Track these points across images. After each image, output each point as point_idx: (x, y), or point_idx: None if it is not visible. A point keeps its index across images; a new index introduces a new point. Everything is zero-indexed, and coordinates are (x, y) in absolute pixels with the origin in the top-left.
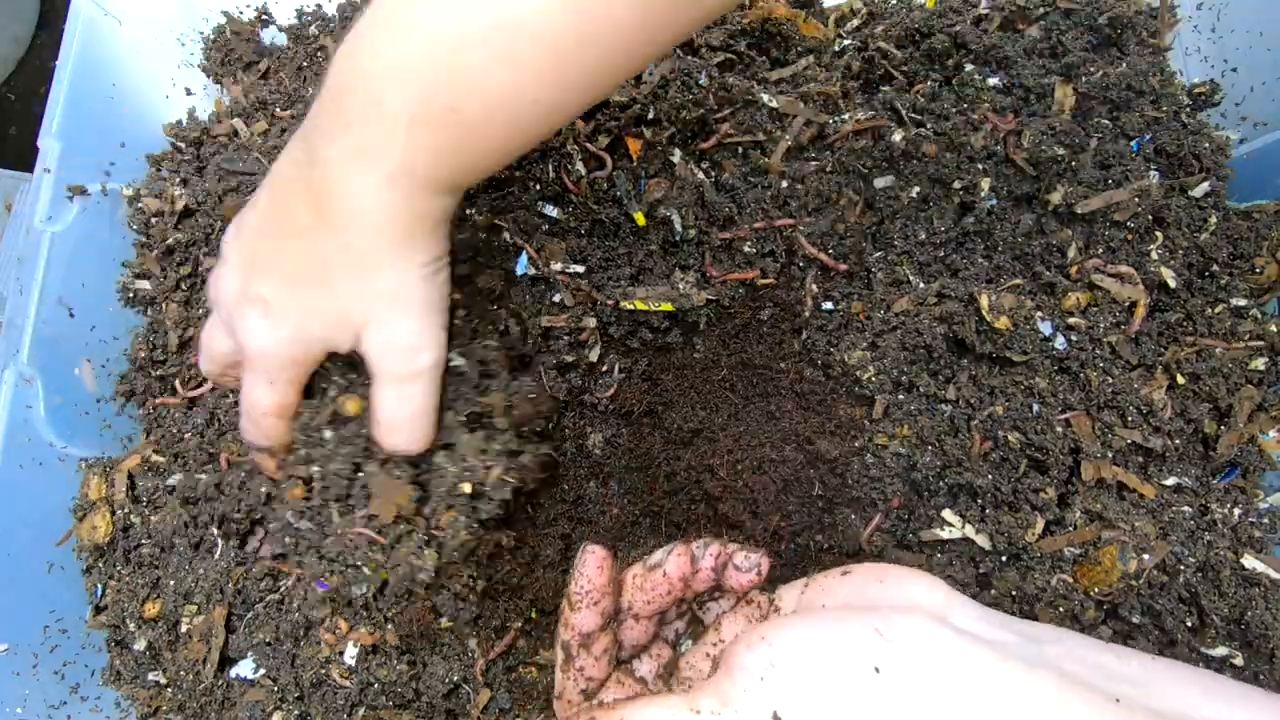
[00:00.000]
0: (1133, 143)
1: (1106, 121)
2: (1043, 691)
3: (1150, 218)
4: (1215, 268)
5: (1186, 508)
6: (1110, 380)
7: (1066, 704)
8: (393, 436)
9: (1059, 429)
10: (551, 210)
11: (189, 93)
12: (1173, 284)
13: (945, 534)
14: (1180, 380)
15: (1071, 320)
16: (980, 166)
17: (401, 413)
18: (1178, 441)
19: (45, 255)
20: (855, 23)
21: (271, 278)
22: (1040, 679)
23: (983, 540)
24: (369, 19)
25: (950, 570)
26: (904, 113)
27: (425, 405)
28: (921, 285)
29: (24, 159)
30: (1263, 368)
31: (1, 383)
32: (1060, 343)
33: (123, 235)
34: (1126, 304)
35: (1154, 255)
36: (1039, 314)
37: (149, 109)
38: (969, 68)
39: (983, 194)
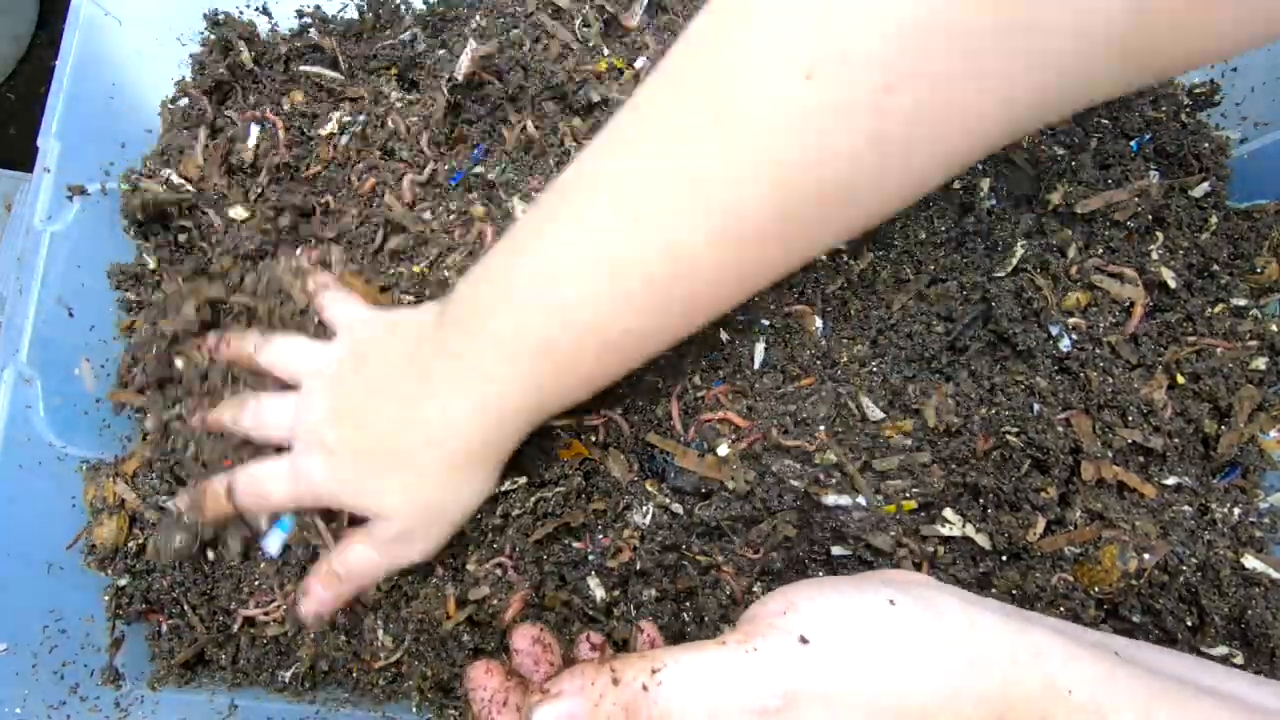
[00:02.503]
0: (1132, 142)
1: (1106, 121)
2: (1047, 638)
3: (1150, 218)
4: (1215, 268)
5: (1187, 507)
6: (1110, 380)
7: (1068, 647)
8: (308, 601)
9: (1059, 428)
10: None
11: (190, 94)
12: (1173, 284)
13: (946, 531)
14: (1180, 380)
15: (1072, 320)
16: (980, 166)
17: (336, 590)
18: (1178, 441)
19: (45, 255)
20: None
21: (344, 437)
22: (1043, 629)
23: (983, 540)
24: (498, 246)
25: (952, 569)
26: None
27: (358, 591)
28: (923, 284)
29: (24, 159)
30: (1263, 367)
31: (1, 383)
32: (1066, 344)
33: (122, 235)
34: (1126, 304)
35: (1154, 255)
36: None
37: (149, 109)
38: None
39: (982, 194)
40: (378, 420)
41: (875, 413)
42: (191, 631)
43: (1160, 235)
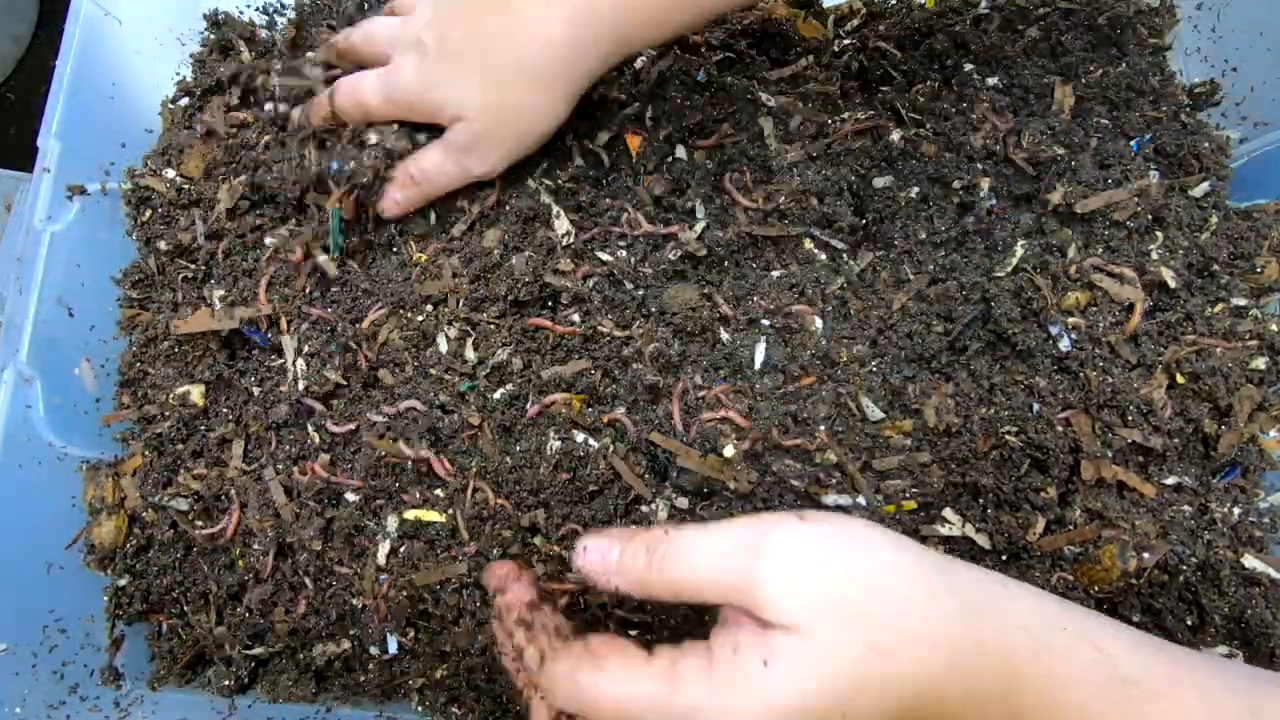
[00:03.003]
0: (1132, 142)
1: (1106, 121)
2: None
3: (1150, 217)
4: (1215, 267)
5: (1186, 507)
6: (1110, 380)
7: (1033, 590)
8: (389, 201)
9: (1059, 428)
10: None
11: (189, 94)
12: (1172, 284)
13: (945, 530)
14: (1180, 380)
15: (1071, 320)
16: (980, 166)
17: (414, 192)
18: (1177, 441)
19: (45, 255)
20: (855, 23)
21: (439, 37)
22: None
23: (983, 540)
24: None
25: None
26: (904, 112)
27: (429, 197)
28: (923, 284)
29: (24, 159)
30: (1263, 367)
31: (1, 383)
32: (1065, 344)
33: (122, 235)
34: (1126, 304)
35: (1154, 255)
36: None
37: (149, 109)
38: (968, 67)
39: (982, 194)
40: (472, 25)
41: (875, 413)
42: (191, 631)
43: (1160, 235)
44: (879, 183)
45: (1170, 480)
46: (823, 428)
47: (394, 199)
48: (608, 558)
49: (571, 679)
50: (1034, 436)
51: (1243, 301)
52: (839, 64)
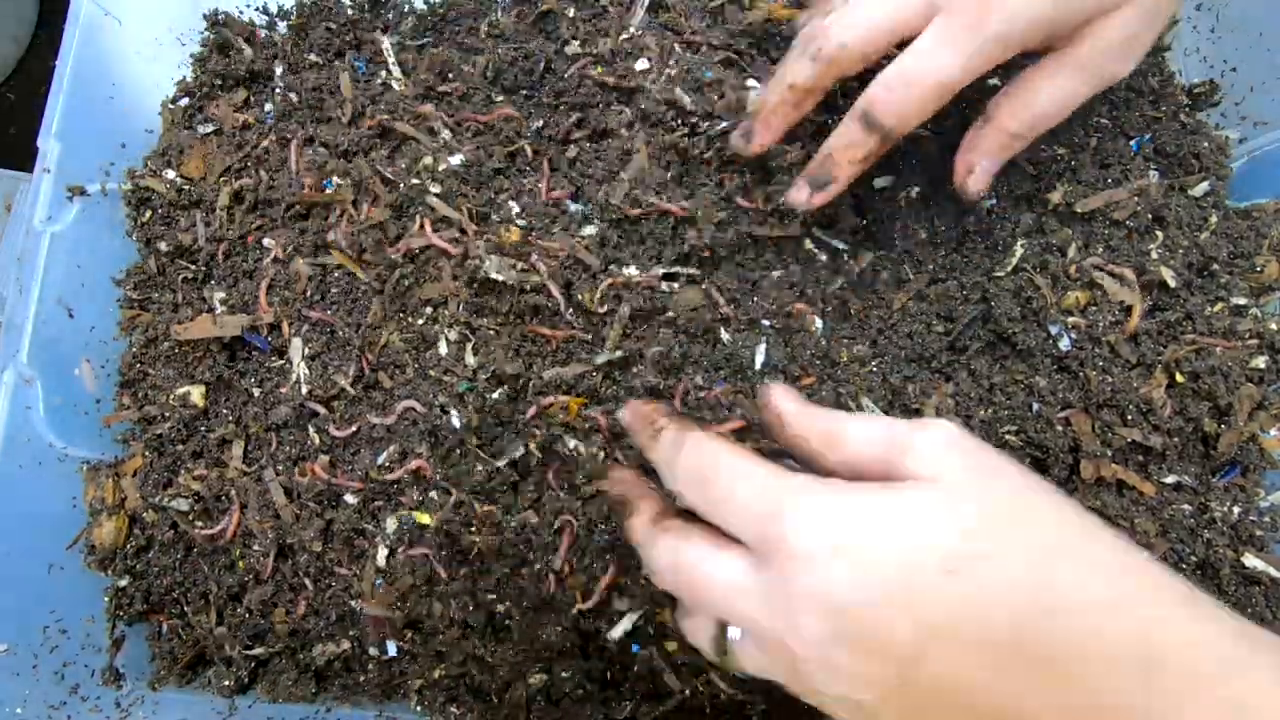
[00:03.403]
0: (1132, 142)
1: (1106, 121)
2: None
3: (1150, 217)
4: (1215, 267)
5: (1186, 506)
6: (1109, 379)
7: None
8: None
9: (1059, 428)
10: None
11: (190, 94)
12: (1172, 283)
13: None
14: (1179, 379)
15: (1071, 320)
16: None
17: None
18: (1177, 440)
19: (45, 255)
20: None
21: None
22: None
23: None
24: None
25: None
26: None
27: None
28: (923, 284)
29: (24, 159)
30: (1263, 366)
31: (1, 383)
32: (1065, 343)
33: (122, 235)
34: (1125, 304)
35: (1154, 254)
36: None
37: (149, 109)
38: None
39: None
40: None
41: (876, 413)
42: (191, 631)
43: (1160, 234)
44: (879, 183)
45: (1170, 479)
46: None
47: (976, 178)
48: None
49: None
50: (1034, 436)
51: (1242, 301)
52: None
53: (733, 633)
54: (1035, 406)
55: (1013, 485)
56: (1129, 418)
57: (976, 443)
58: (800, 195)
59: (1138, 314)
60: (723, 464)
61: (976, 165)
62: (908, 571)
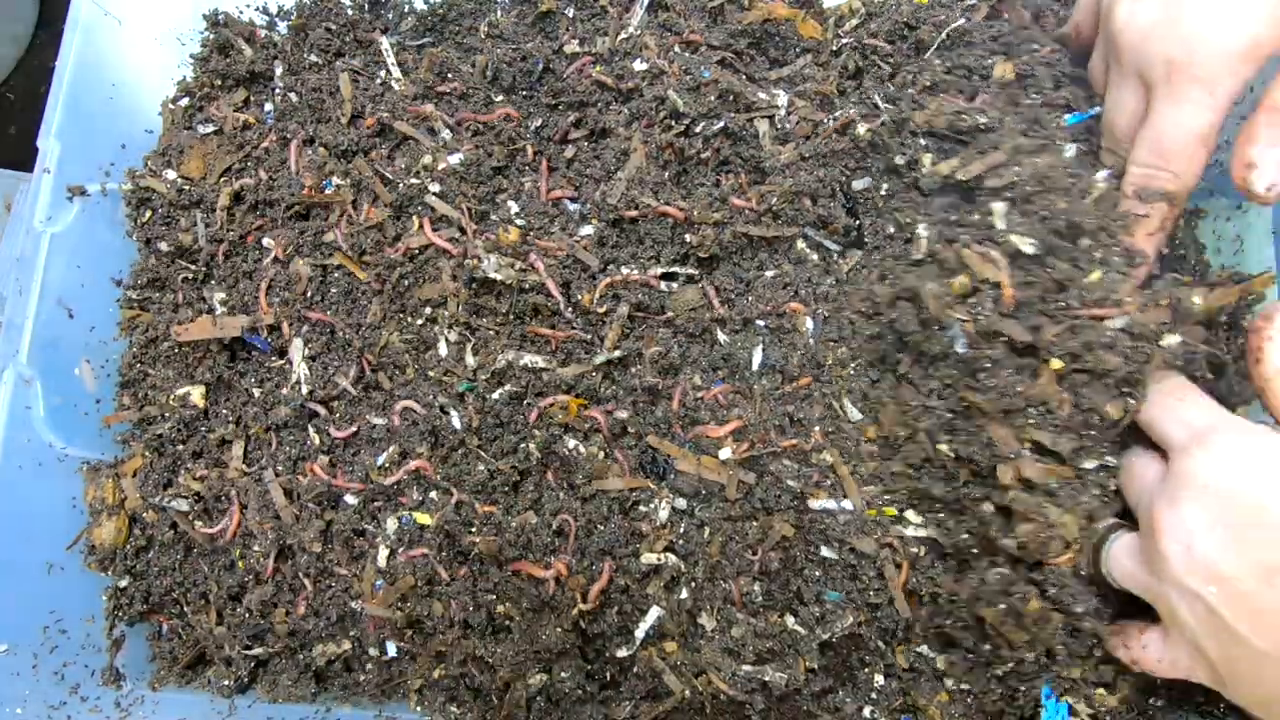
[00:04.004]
0: (1067, 117)
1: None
2: None
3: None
4: (1085, 240)
5: (1113, 481)
6: (1003, 384)
7: None
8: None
9: (981, 436)
10: None
11: (190, 94)
12: (1031, 251)
13: (910, 532)
14: (1060, 364)
15: (960, 316)
16: (923, 143)
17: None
18: (1087, 431)
19: (45, 255)
20: (854, 22)
21: None
22: None
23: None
24: None
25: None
26: (880, 103)
27: None
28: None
29: (24, 159)
30: (1121, 327)
31: (1, 383)
32: (961, 345)
33: (122, 235)
34: (995, 282)
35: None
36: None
37: (149, 109)
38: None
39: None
40: None
41: (855, 414)
42: (192, 631)
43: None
44: (858, 185)
45: (1090, 464)
46: (817, 428)
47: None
48: None
49: None
50: (959, 447)
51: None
52: (836, 63)
53: (1118, 536)
54: (949, 415)
55: None
56: (1033, 421)
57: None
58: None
59: (1008, 288)
60: (1185, 387)
61: (1254, 157)
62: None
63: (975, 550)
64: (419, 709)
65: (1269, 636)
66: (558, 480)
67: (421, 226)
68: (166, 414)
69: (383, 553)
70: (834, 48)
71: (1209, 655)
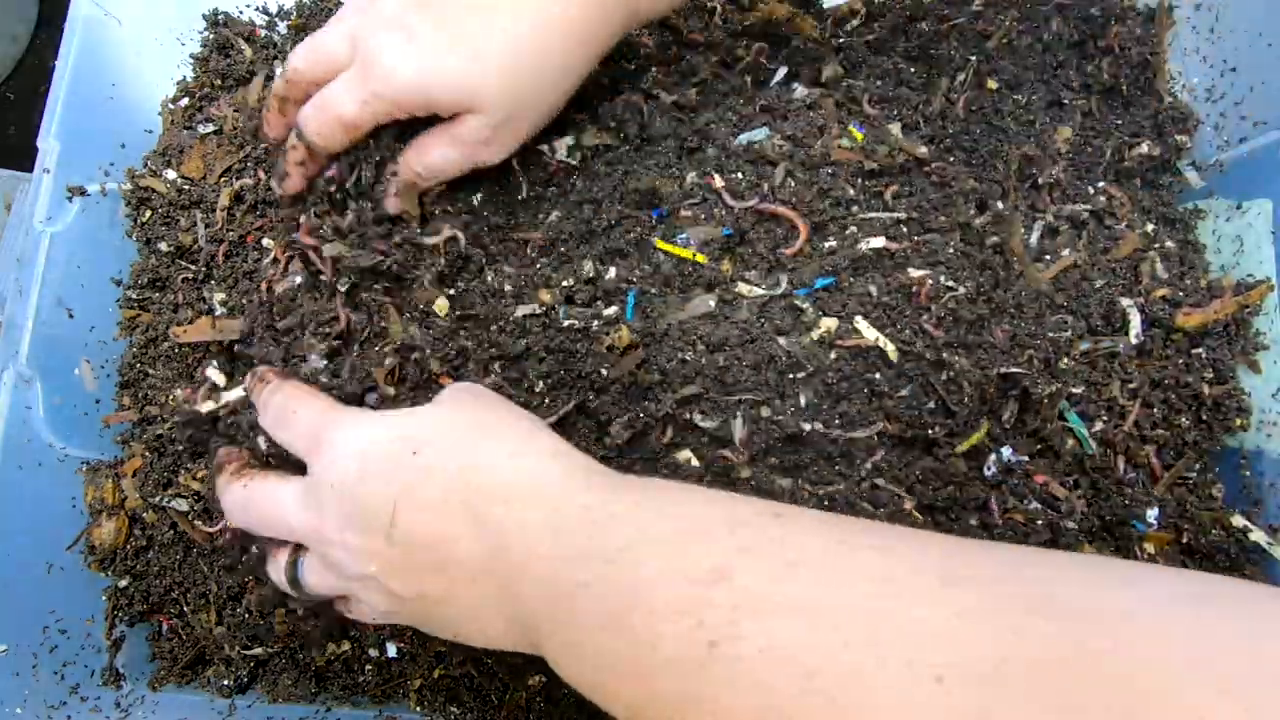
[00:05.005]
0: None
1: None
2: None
3: None
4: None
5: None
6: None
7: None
8: (390, 201)
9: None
10: None
11: (190, 94)
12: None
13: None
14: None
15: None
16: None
17: (416, 188)
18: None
19: (45, 255)
20: (855, 23)
21: (430, 16)
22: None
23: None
24: None
25: None
26: (865, 104)
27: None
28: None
29: (24, 159)
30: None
31: (1, 383)
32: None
33: (122, 235)
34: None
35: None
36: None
37: (149, 109)
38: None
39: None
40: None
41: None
42: (191, 631)
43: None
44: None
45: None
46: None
47: (394, 203)
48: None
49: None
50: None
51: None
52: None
53: (302, 559)
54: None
55: (482, 404)
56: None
57: (480, 389)
58: (274, 184)
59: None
60: (297, 396)
61: (394, 188)
62: (392, 459)
63: None
64: (419, 709)
65: (414, 588)
66: None
67: None
68: (166, 414)
69: None
70: (834, 47)
71: (403, 618)
